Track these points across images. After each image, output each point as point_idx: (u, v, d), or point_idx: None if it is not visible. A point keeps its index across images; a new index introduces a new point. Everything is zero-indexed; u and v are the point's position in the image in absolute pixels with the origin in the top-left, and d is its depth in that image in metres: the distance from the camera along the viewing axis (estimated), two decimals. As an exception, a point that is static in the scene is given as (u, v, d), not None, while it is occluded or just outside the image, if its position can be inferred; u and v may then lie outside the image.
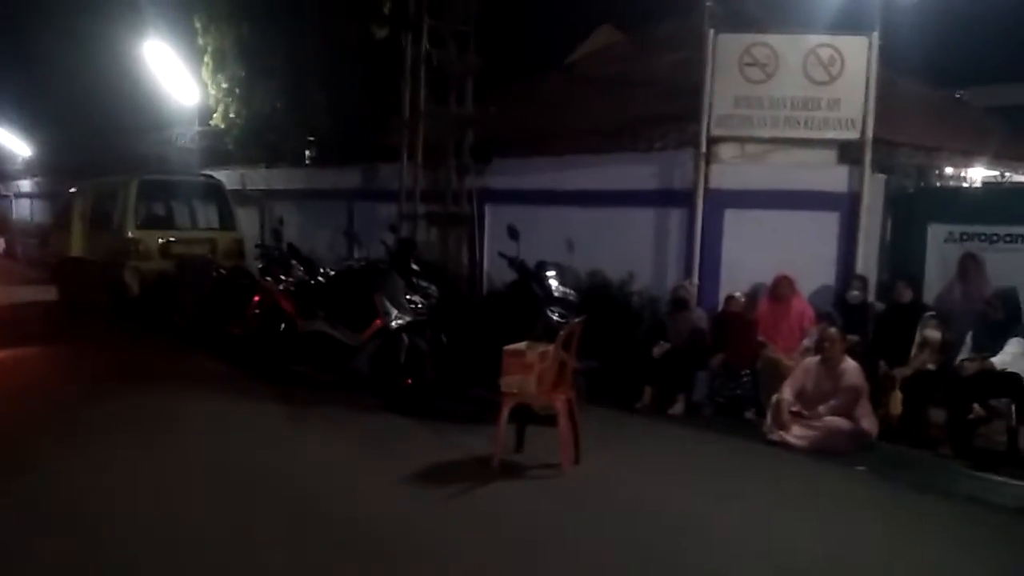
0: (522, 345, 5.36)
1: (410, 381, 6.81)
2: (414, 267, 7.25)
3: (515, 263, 7.02)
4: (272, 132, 14.67)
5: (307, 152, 15.14)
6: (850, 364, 6.35)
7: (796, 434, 6.31)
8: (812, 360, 6.58)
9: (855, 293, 7.24)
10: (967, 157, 9.91)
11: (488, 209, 10.24)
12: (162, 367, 8.63)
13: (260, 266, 9.09)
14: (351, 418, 6.73)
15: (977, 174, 10.24)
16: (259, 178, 14.95)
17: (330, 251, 11.83)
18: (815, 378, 6.48)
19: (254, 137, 15.07)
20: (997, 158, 10.26)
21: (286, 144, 14.77)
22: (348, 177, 12.57)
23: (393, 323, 6.83)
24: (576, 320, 5.75)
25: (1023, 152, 11.36)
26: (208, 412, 6.88)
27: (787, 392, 6.48)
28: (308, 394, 7.44)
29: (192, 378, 8.08)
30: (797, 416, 6.39)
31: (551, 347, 5.39)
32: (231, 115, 14.96)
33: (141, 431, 6.25)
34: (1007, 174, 10.67)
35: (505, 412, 5.30)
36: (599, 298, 8.54)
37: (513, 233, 7.19)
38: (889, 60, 8.46)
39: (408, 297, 7.00)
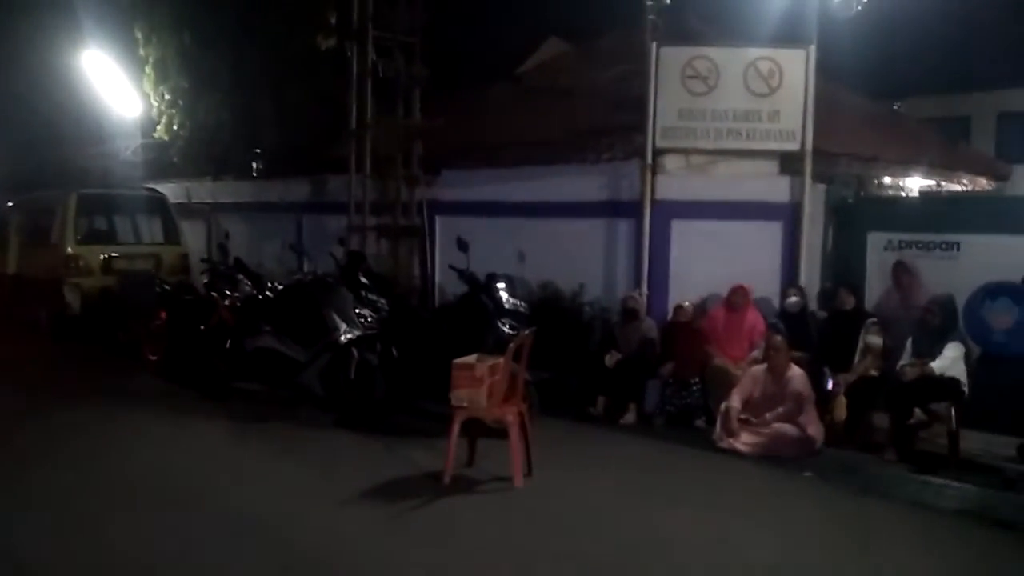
0: (472, 358, 5.34)
1: (359, 396, 6.74)
2: (363, 280, 7.18)
3: (465, 275, 7.00)
4: (217, 144, 14.45)
5: (254, 164, 14.89)
6: (796, 371, 6.47)
7: (745, 441, 6.40)
8: (759, 368, 6.69)
9: (793, 300, 7.36)
10: (904, 167, 10.18)
11: (438, 221, 10.20)
12: (103, 386, 8.38)
13: (205, 281, 8.91)
14: (300, 435, 6.62)
15: (914, 183, 10.52)
16: (205, 191, 14.66)
17: (279, 265, 11.65)
18: (762, 385, 6.58)
19: (199, 149, 14.82)
20: (933, 168, 10.55)
21: (232, 156, 14.53)
22: (296, 189, 12.41)
23: (342, 337, 6.74)
24: (526, 332, 5.75)
25: (957, 162, 11.72)
26: (149, 432, 6.70)
27: (735, 400, 6.57)
28: (255, 412, 7.29)
29: (134, 397, 7.87)
30: (745, 424, 6.48)
31: (501, 360, 5.38)
32: (175, 127, 14.72)
33: (76, 453, 6.07)
34: (942, 183, 10.97)
35: (456, 426, 5.27)
36: (551, 309, 8.58)
37: (462, 245, 7.18)
38: (827, 73, 8.67)
39: (357, 311, 6.93)
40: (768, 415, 6.40)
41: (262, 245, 12.57)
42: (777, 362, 6.49)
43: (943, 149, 11.78)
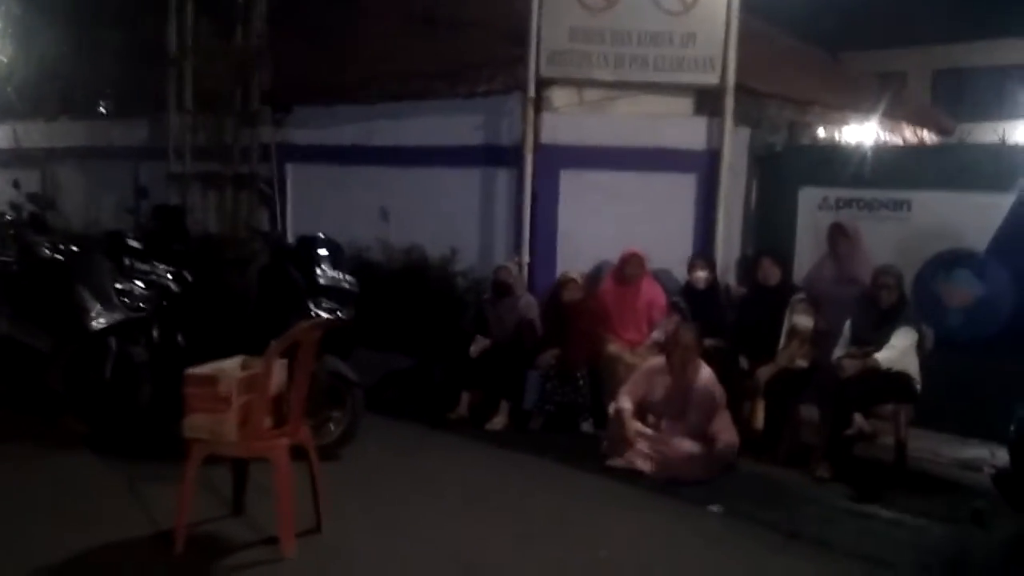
0: (217, 366, 3.58)
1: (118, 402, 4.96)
2: (131, 243, 5.31)
3: (270, 239, 5.24)
4: (57, 80, 12.36)
5: (101, 103, 12.82)
6: (704, 373, 4.94)
7: (641, 455, 4.93)
8: (658, 362, 5.16)
9: (700, 275, 5.91)
10: (843, 114, 8.84)
11: (290, 169, 8.42)
12: None
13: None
14: (19, 461, 4.70)
15: (853, 134, 9.23)
16: (39, 135, 12.52)
17: (118, 221, 9.78)
18: (664, 388, 5.06)
19: (38, 87, 12.71)
20: (874, 117, 9.29)
21: (73, 94, 12.45)
22: (135, 132, 10.42)
23: (94, 323, 4.90)
24: (323, 318, 4.04)
25: (901, 112, 10.57)
26: None
27: (625, 401, 5.05)
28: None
29: None
30: (643, 436, 4.96)
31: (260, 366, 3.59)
32: (4, 60, 12.60)
33: None
34: (885, 135, 9.74)
35: (191, 469, 3.49)
36: (416, 280, 7.05)
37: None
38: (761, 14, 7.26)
39: (119, 286, 5.07)
40: (665, 426, 4.88)
41: (100, 197, 10.61)
42: (682, 359, 4.95)
43: (886, 103, 10.57)
